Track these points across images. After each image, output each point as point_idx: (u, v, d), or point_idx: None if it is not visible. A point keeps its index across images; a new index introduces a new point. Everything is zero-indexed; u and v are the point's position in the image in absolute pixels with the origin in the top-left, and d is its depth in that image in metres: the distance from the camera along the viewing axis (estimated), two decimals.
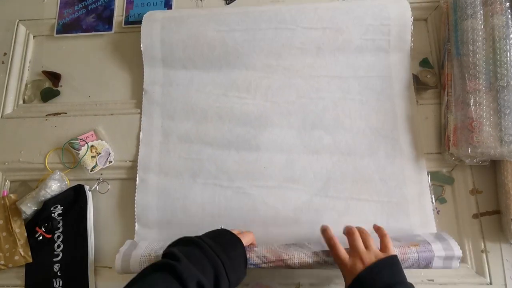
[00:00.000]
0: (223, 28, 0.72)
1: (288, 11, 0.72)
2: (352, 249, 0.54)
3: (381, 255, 0.52)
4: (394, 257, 0.53)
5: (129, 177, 0.72)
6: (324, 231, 0.58)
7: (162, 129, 0.73)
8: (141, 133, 0.73)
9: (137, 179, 0.70)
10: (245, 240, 0.56)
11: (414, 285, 0.50)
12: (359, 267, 0.52)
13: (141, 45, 0.74)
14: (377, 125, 0.69)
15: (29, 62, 0.82)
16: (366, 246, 0.54)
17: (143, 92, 0.75)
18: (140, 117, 0.74)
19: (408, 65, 0.72)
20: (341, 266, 0.55)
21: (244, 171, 0.69)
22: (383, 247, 0.54)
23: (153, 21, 0.75)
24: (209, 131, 0.72)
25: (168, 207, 0.68)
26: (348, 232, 0.57)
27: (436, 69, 0.73)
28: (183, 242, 0.53)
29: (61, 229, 0.68)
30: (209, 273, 0.49)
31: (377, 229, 0.57)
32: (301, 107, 0.71)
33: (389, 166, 0.67)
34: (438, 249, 0.56)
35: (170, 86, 0.75)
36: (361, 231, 0.56)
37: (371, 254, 0.53)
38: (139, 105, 0.76)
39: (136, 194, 0.69)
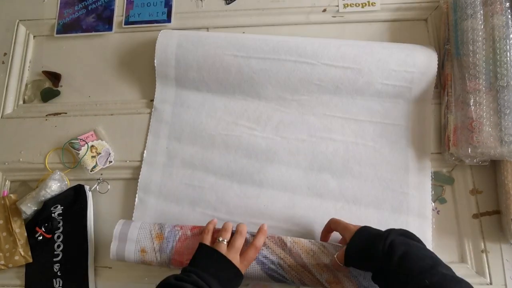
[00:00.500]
0: (240, 53, 0.70)
1: (310, 44, 0.69)
2: None
3: None
4: None
5: (129, 177, 0.72)
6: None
7: (167, 150, 0.71)
8: (145, 151, 0.72)
9: (136, 199, 0.69)
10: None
11: None
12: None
13: (155, 61, 0.72)
14: (387, 176, 0.67)
15: (29, 62, 0.82)
16: None
17: (153, 109, 0.74)
18: (141, 117, 0.75)
19: (429, 117, 0.69)
20: (343, 226, 0.58)
21: (243, 206, 0.67)
22: None
23: (170, 38, 0.72)
24: (214, 159, 0.70)
25: None
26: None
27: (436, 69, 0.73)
28: None
29: (61, 229, 0.68)
30: None
31: None
32: (311, 146, 0.69)
33: (393, 222, 0.65)
34: None
35: (181, 107, 0.73)
36: None
37: None
38: (139, 105, 0.76)
39: (133, 214, 0.69)
